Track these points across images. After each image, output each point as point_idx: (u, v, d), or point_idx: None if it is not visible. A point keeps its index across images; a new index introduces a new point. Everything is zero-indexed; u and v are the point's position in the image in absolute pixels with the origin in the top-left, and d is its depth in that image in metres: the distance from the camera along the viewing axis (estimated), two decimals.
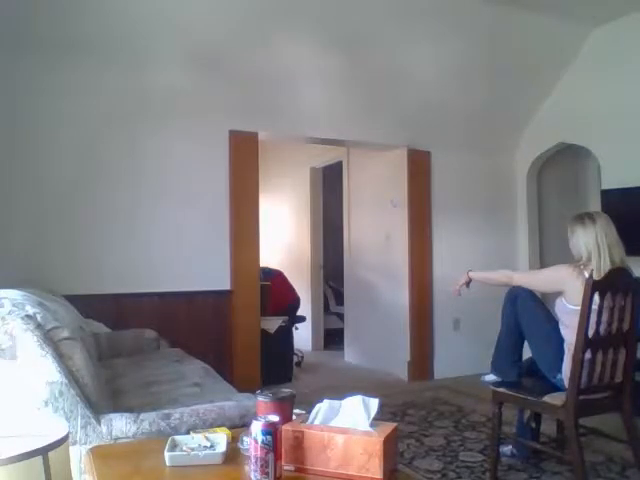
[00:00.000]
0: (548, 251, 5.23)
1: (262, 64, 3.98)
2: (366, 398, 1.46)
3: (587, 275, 2.40)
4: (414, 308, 4.83)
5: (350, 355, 5.75)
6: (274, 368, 4.48)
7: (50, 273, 3.49)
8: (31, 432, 1.13)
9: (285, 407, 1.48)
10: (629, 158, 4.33)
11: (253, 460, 1.28)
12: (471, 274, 2.91)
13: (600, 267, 2.42)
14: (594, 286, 2.32)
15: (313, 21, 3.88)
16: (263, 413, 1.40)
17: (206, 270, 4.05)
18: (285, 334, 4.94)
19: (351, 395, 1.49)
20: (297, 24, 3.87)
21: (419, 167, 4.91)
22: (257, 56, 3.93)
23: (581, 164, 5.47)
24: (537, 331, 2.66)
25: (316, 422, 1.44)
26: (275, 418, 1.32)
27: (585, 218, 2.53)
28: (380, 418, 1.45)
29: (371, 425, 1.40)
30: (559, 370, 2.52)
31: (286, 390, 1.56)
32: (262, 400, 1.48)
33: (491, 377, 2.79)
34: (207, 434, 1.53)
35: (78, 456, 1.61)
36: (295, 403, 1.54)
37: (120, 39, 3.57)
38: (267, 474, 1.27)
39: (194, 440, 1.49)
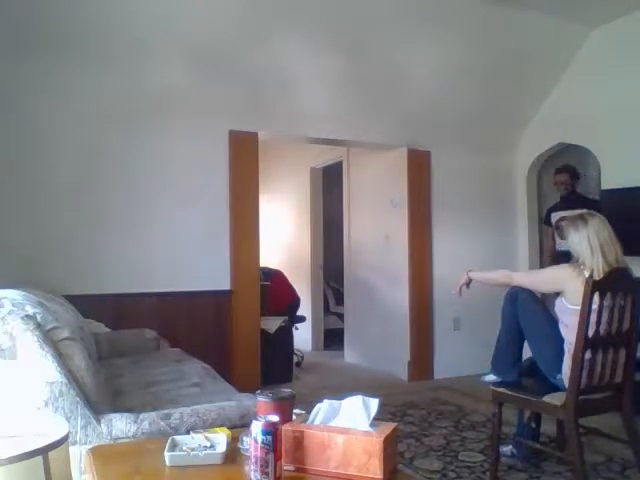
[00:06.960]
0: None
1: (262, 64, 3.98)
2: (366, 398, 1.46)
3: (587, 275, 2.40)
4: (414, 308, 4.83)
5: (350, 355, 5.75)
6: (274, 368, 4.48)
7: (50, 273, 3.50)
8: (31, 432, 1.13)
9: (285, 407, 1.48)
10: (629, 158, 4.33)
11: (253, 460, 1.28)
12: (471, 274, 2.90)
13: (593, 268, 2.42)
14: (594, 286, 2.32)
15: (313, 21, 3.89)
16: (263, 413, 1.40)
17: (206, 270, 4.05)
18: (285, 334, 4.93)
19: (351, 395, 1.49)
20: (297, 24, 3.87)
21: (419, 167, 4.91)
22: (257, 56, 3.93)
23: (581, 164, 5.46)
24: (537, 331, 2.66)
25: (316, 422, 1.44)
26: (275, 418, 1.32)
27: (578, 220, 2.53)
28: (380, 418, 1.45)
29: (371, 425, 1.40)
30: (559, 370, 2.52)
31: (286, 390, 1.56)
32: (262, 400, 1.48)
33: (491, 377, 2.79)
34: (207, 434, 1.53)
35: (78, 456, 1.61)
36: (295, 403, 1.54)
37: (120, 39, 3.57)
38: (267, 474, 1.27)
39: (194, 440, 1.49)
